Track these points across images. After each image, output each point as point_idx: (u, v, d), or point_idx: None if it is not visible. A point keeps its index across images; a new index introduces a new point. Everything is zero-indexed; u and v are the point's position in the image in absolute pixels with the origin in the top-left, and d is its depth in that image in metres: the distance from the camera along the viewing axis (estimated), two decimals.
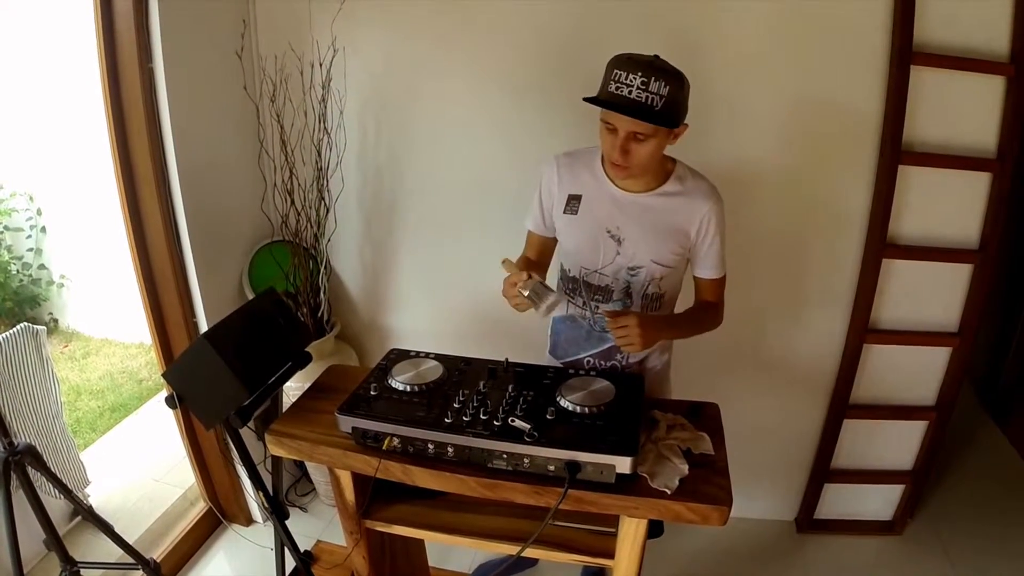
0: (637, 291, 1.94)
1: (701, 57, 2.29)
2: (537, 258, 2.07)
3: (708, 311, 2.01)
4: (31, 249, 4.70)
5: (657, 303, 1.98)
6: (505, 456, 1.54)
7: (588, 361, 2.05)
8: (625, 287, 1.93)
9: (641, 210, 1.86)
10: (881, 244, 2.47)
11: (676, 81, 1.66)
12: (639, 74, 1.63)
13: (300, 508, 3.12)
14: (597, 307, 1.97)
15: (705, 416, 1.79)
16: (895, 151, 2.35)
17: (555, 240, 2.04)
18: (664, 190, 1.87)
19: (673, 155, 1.88)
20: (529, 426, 1.53)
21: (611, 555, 1.70)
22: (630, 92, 1.64)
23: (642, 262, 1.89)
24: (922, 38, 2.24)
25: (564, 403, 1.63)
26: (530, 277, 1.71)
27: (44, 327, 2.58)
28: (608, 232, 1.88)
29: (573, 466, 1.49)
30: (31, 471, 1.92)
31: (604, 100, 1.68)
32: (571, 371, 1.80)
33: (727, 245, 1.94)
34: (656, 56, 1.70)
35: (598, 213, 1.88)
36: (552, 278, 2.06)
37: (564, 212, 1.92)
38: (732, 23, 2.32)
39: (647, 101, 1.63)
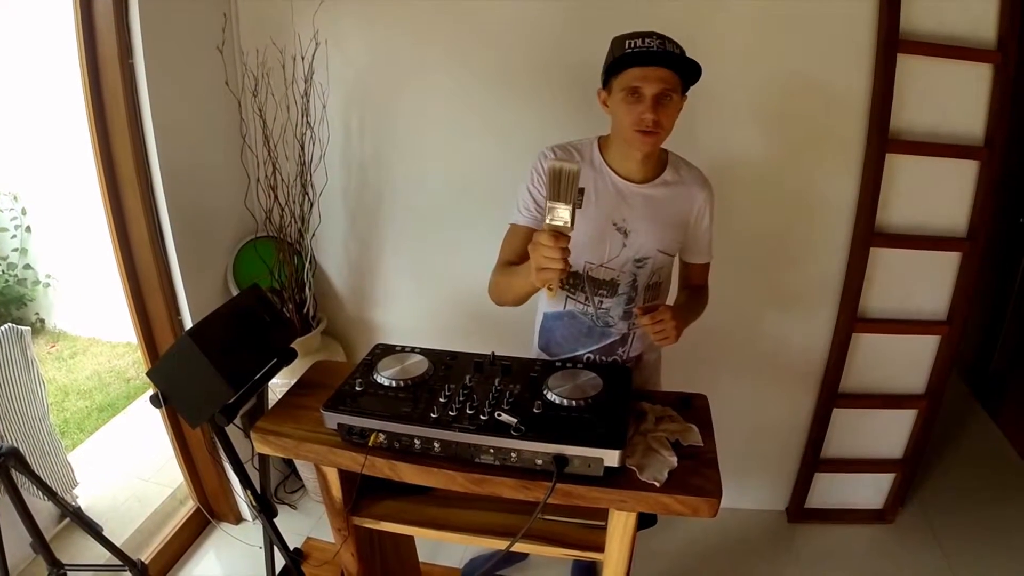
0: (643, 283, 1.93)
1: (688, 48, 2.27)
2: (518, 260, 1.90)
3: (702, 294, 2.06)
4: (16, 249, 4.66)
5: (656, 292, 1.98)
6: (492, 451, 1.53)
7: (588, 357, 2.03)
8: (631, 280, 1.91)
9: (645, 201, 1.85)
10: (869, 233, 2.47)
11: (682, 48, 1.71)
12: (654, 37, 1.68)
13: (289, 505, 3.10)
14: (601, 302, 1.95)
15: (694, 407, 1.78)
16: (882, 140, 2.34)
17: None
18: (664, 179, 1.87)
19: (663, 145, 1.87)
20: (516, 420, 1.51)
21: (601, 548, 1.69)
22: (652, 50, 1.67)
23: (649, 253, 1.88)
24: (909, 26, 2.24)
25: (551, 396, 1.61)
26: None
27: (29, 328, 2.55)
28: (614, 225, 1.86)
29: (561, 460, 1.48)
30: (16, 474, 1.90)
31: (634, 57, 1.67)
32: (558, 364, 1.79)
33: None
34: None
35: (603, 206, 1.85)
36: None
37: None
38: (718, 15, 2.31)
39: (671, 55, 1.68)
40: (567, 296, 1.97)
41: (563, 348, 2.06)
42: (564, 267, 1.49)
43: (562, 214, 1.46)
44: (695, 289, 2.07)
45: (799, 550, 2.91)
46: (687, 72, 1.72)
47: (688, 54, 1.73)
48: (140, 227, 2.38)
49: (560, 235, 1.47)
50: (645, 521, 1.65)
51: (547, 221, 1.48)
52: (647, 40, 1.67)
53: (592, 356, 2.03)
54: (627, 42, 1.69)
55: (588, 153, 1.88)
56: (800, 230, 2.58)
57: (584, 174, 1.83)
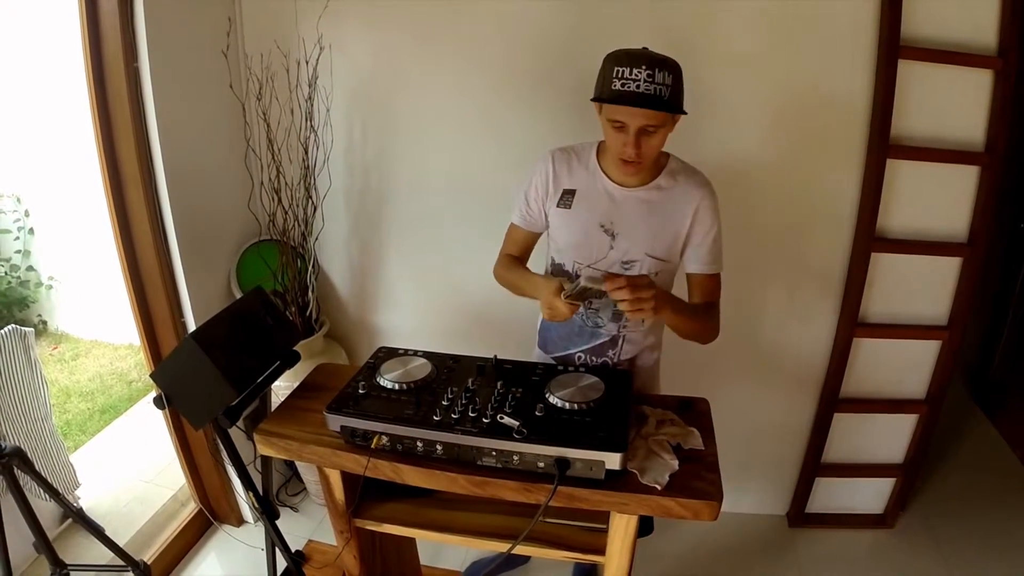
0: None
1: (690, 53, 2.27)
2: (518, 254, 2.09)
3: (708, 311, 1.94)
4: (19, 251, 4.67)
5: None
6: (494, 453, 1.54)
7: (579, 357, 2.05)
8: None
9: (635, 204, 1.86)
10: (870, 238, 2.48)
11: (675, 69, 1.67)
12: (643, 67, 1.62)
13: (291, 508, 3.11)
14: (591, 302, 1.96)
15: (695, 411, 1.79)
16: (883, 145, 2.35)
17: (538, 235, 2.05)
18: (658, 183, 1.86)
19: (664, 149, 1.87)
20: (518, 423, 1.52)
21: (602, 551, 1.69)
22: (638, 87, 1.63)
23: (636, 256, 1.88)
24: (910, 32, 2.24)
25: (553, 400, 1.62)
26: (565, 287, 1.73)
27: (32, 329, 2.56)
28: (601, 226, 1.87)
29: (563, 463, 1.49)
30: (19, 474, 1.90)
31: (617, 97, 1.66)
32: (560, 368, 1.80)
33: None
34: (645, 48, 1.69)
35: (592, 207, 1.88)
36: (537, 271, 2.06)
37: (557, 206, 1.91)
38: (721, 20, 2.32)
39: (656, 92, 1.63)
40: None
41: (558, 346, 2.08)
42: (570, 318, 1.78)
43: (579, 299, 1.71)
44: (701, 305, 1.95)
45: (800, 555, 2.91)
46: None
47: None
48: (144, 229, 2.39)
49: (575, 304, 1.72)
50: (641, 530, 1.65)
51: (567, 296, 1.69)
52: (635, 71, 1.63)
53: (583, 356, 2.04)
54: (615, 70, 1.65)
55: (586, 157, 1.91)
56: (801, 234, 2.58)
57: (578, 176, 1.89)
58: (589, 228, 1.88)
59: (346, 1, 2.46)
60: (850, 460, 2.93)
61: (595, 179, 1.88)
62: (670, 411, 1.76)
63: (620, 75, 1.64)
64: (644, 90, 1.63)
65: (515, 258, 2.07)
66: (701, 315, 1.92)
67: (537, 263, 2.09)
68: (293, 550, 2.20)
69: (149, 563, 2.37)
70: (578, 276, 1.92)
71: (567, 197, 1.89)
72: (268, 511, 2.02)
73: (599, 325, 1.98)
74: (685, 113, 1.72)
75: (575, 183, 1.89)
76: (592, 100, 1.73)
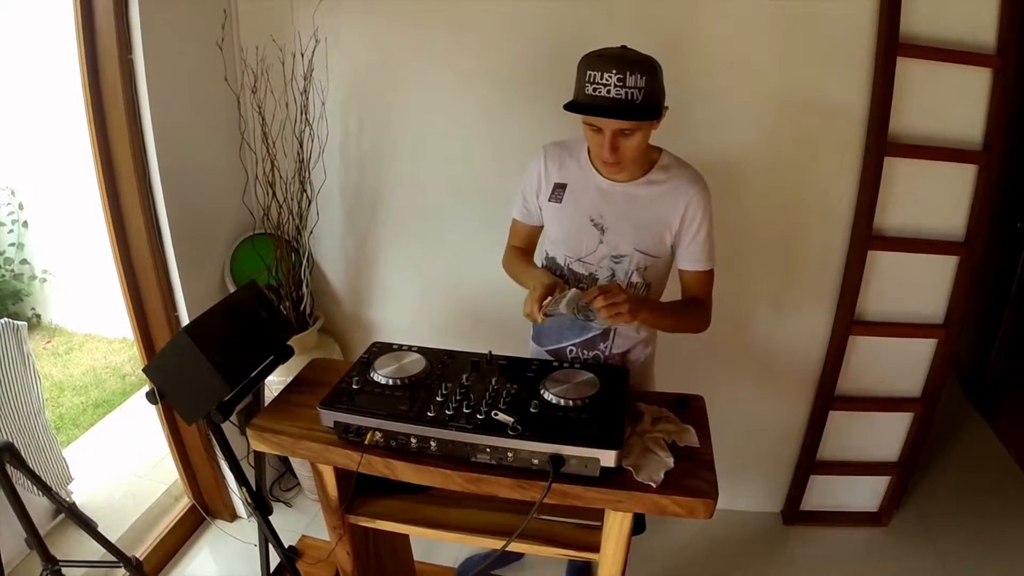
0: (621, 279, 1.92)
1: (687, 53, 2.28)
2: (523, 245, 2.11)
3: (694, 306, 1.96)
4: (13, 244, 4.64)
5: (642, 293, 1.97)
6: (488, 450, 1.53)
7: (571, 350, 2.05)
8: (610, 275, 1.92)
9: (625, 199, 1.86)
10: (867, 236, 2.47)
11: (650, 69, 1.64)
12: (613, 71, 1.60)
13: (284, 503, 3.10)
14: (577, 314, 1.96)
15: (690, 408, 1.78)
16: (881, 143, 2.34)
17: (539, 228, 2.07)
18: (649, 179, 1.86)
19: (659, 144, 1.87)
20: (512, 419, 1.52)
21: (596, 549, 1.69)
22: (608, 92, 1.61)
23: (625, 251, 1.88)
24: (908, 30, 2.24)
25: (548, 396, 1.61)
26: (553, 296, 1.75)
27: (25, 322, 2.55)
28: (591, 220, 1.88)
29: (557, 460, 1.48)
30: (11, 469, 1.89)
31: (584, 105, 1.66)
32: (555, 364, 1.79)
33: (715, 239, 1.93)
34: (624, 47, 1.68)
35: (582, 202, 1.88)
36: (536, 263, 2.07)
37: (549, 200, 1.93)
38: (718, 18, 2.30)
39: (627, 97, 1.61)
40: None
41: (550, 339, 2.09)
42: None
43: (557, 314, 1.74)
44: (690, 301, 1.97)
45: (794, 552, 2.91)
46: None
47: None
48: (138, 223, 2.38)
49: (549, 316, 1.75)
50: (633, 528, 1.65)
51: (548, 307, 1.73)
52: (606, 76, 1.61)
53: (575, 349, 2.05)
54: (587, 74, 1.64)
55: (578, 151, 1.91)
56: (798, 232, 2.58)
57: (570, 170, 1.90)
58: (579, 222, 1.89)
59: None
60: (845, 458, 2.93)
61: (586, 174, 1.89)
62: (666, 408, 1.75)
63: (592, 79, 1.63)
64: (615, 95, 1.61)
65: (520, 250, 2.11)
66: (686, 312, 1.95)
67: (541, 254, 2.10)
68: (287, 545, 2.19)
69: (141, 559, 2.36)
70: (569, 283, 1.93)
71: (558, 191, 1.90)
72: (261, 506, 2.01)
73: (590, 319, 1.98)
74: (658, 118, 1.70)
75: (566, 178, 1.90)
76: (564, 107, 1.70)
